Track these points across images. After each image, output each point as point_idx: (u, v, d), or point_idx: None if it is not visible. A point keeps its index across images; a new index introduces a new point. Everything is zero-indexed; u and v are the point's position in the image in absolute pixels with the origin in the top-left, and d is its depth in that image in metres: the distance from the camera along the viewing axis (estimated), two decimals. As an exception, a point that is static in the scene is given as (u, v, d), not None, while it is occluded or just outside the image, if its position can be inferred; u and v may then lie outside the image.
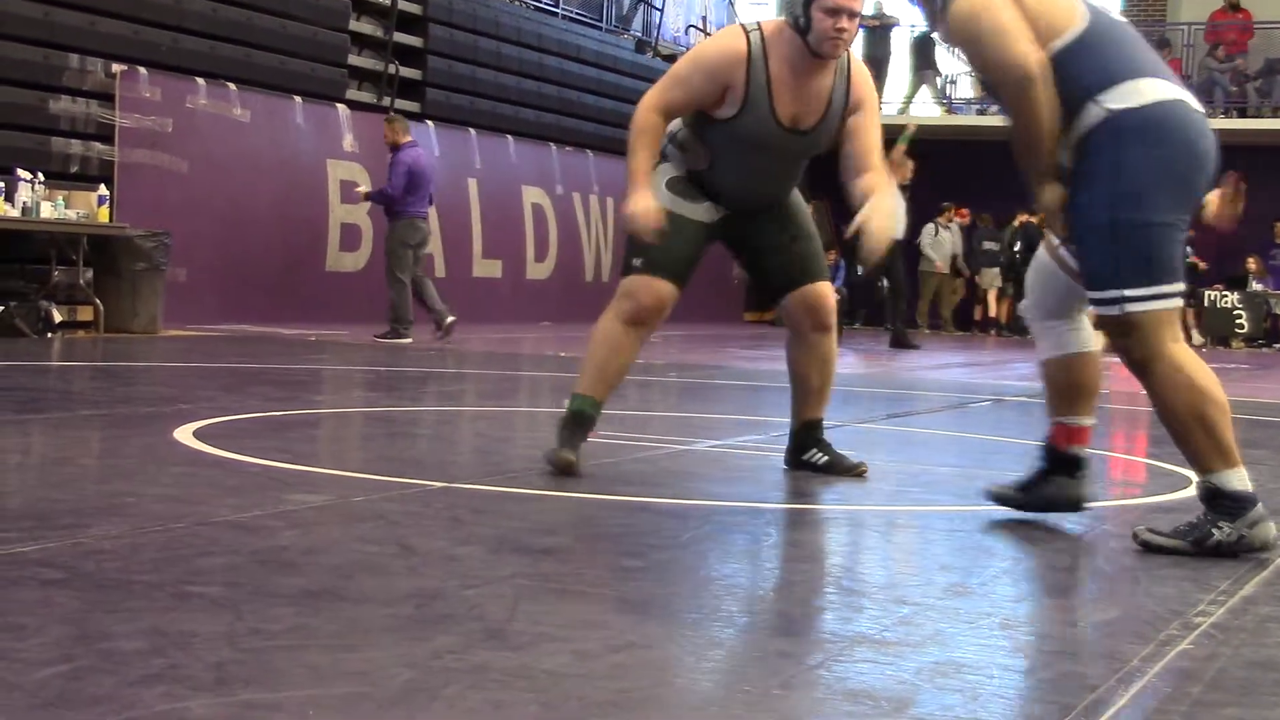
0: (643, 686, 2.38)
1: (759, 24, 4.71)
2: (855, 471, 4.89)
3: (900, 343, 16.07)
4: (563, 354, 11.74)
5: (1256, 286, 20.45)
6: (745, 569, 3.62)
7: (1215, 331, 20.24)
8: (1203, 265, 20.25)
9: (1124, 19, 4.05)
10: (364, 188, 12.98)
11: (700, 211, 4.79)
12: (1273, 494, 5.21)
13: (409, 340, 12.17)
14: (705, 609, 3.09)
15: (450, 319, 12.48)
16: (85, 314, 11.43)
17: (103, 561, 3.08)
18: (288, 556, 3.24)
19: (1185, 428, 3.82)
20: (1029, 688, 2.49)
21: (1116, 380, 11.94)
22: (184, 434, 5.22)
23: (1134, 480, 5.80)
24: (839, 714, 2.31)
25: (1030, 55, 3.75)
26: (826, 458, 4.93)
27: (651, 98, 4.68)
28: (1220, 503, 3.79)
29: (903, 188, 15.13)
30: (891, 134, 24.15)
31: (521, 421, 6.81)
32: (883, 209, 4.53)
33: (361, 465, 4.65)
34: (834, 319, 4.95)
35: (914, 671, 2.55)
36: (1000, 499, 4.25)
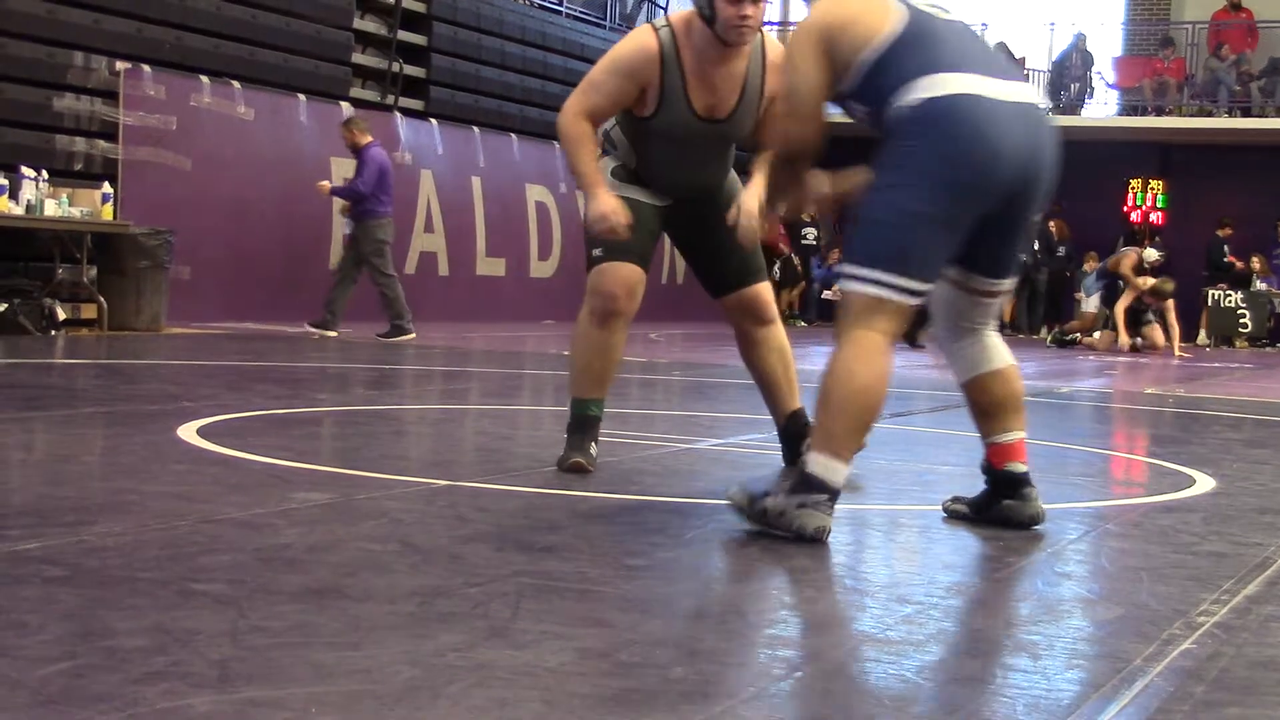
0: (645, 684, 2.38)
1: (668, 19, 4.74)
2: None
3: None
4: (566, 352, 11.75)
5: (1260, 286, 20.44)
6: (748, 568, 3.62)
7: (1219, 331, 20.23)
8: (1242, 265, 20.36)
9: (954, 17, 3.96)
10: (328, 183, 12.89)
11: (649, 195, 4.84)
12: (1274, 495, 5.21)
13: (413, 335, 12.19)
14: (708, 607, 3.09)
15: (333, 333, 12.35)
16: (89, 312, 11.43)
17: (106, 559, 3.09)
18: (291, 554, 3.25)
19: (822, 402, 3.75)
20: (1031, 687, 2.49)
21: (1118, 380, 11.94)
22: (187, 431, 5.23)
23: (1135, 479, 5.80)
24: (841, 713, 2.31)
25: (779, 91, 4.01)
26: None
27: (574, 105, 4.70)
28: (802, 477, 3.73)
29: None
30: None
31: (525, 420, 6.81)
32: (746, 208, 4.60)
33: (365, 463, 4.65)
34: (774, 310, 4.98)
35: (916, 670, 2.55)
36: (955, 515, 4.20)
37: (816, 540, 3.66)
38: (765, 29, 4.71)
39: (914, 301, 3.79)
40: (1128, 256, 17.21)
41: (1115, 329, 16.76)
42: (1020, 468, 4.05)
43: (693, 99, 4.68)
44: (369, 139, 12.47)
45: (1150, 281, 16.49)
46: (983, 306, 4.05)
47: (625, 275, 4.77)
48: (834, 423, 3.72)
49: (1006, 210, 3.81)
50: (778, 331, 5.01)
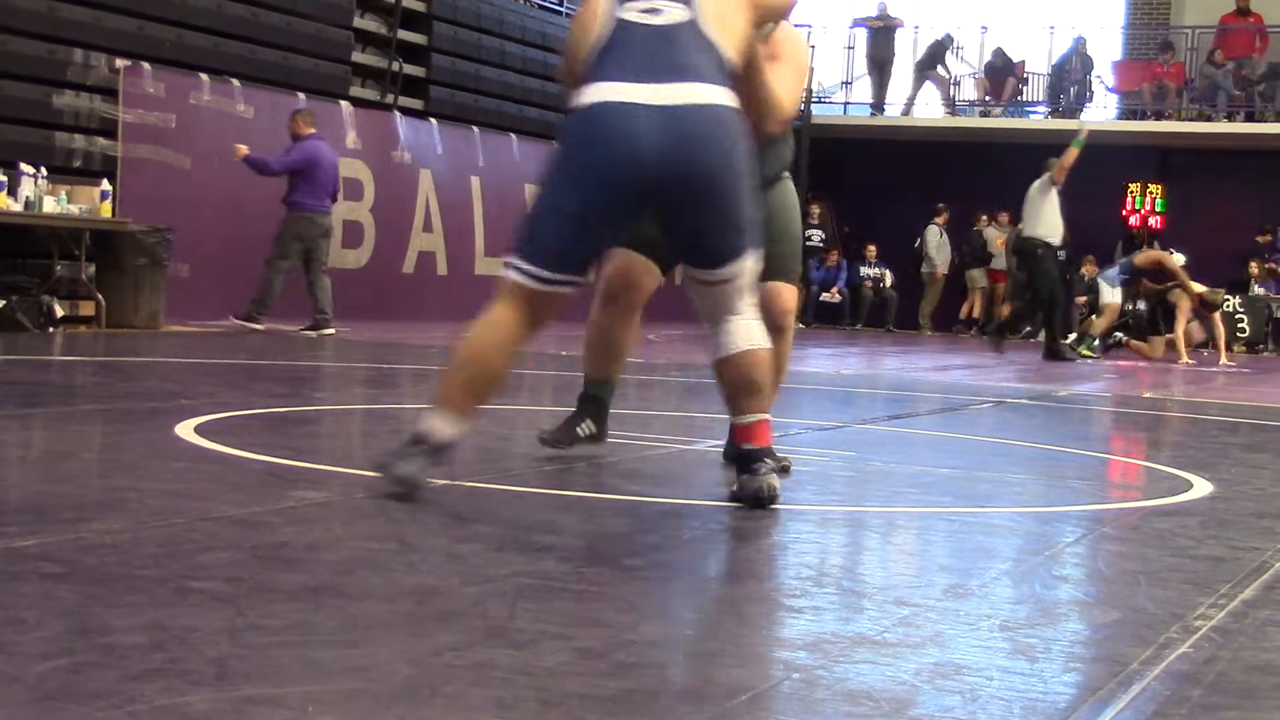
0: (643, 685, 2.38)
1: None
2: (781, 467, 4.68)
3: (1055, 355, 14.98)
4: (564, 352, 11.74)
5: (1258, 290, 20.45)
6: (745, 569, 3.62)
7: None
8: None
9: (663, 22, 4.12)
10: (245, 148, 12.70)
11: None
12: (1272, 499, 5.22)
13: (261, 329, 12.00)
14: (705, 608, 3.09)
15: (329, 330, 12.34)
16: (87, 309, 11.43)
17: (104, 556, 3.09)
18: (289, 552, 3.25)
19: (447, 363, 4.24)
20: (1028, 689, 2.49)
21: (1116, 384, 11.94)
22: (185, 429, 5.22)
23: (1133, 483, 5.80)
24: (838, 715, 2.31)
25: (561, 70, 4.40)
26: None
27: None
28: (412, 432, 4.14)
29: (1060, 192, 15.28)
30: (953, 137, 23.78)
31: (523, 420, 6.81)
32: None
33: (363, 462, 4.65)
34: (790, 320, 4.93)
35: (913, 673, 2.55)
36: (734, 499, 4.26)
37: (399, 486, 3.94)
38: None
39: (545, 288, 4.11)
40: (1167, 256, 16.81)
41: (1174, 344, 16.30)
42: (751, 447, 4.17)
43: None
44: (310, 131, 12.44)
45: (1200, 289, 16.23)
46: (715, 295, 4.20)
47: (623, 263, 4.84)
48: (448, 379, 4.18)
49: (671, 205, 4.10)
50: (785, 340, 4.98)
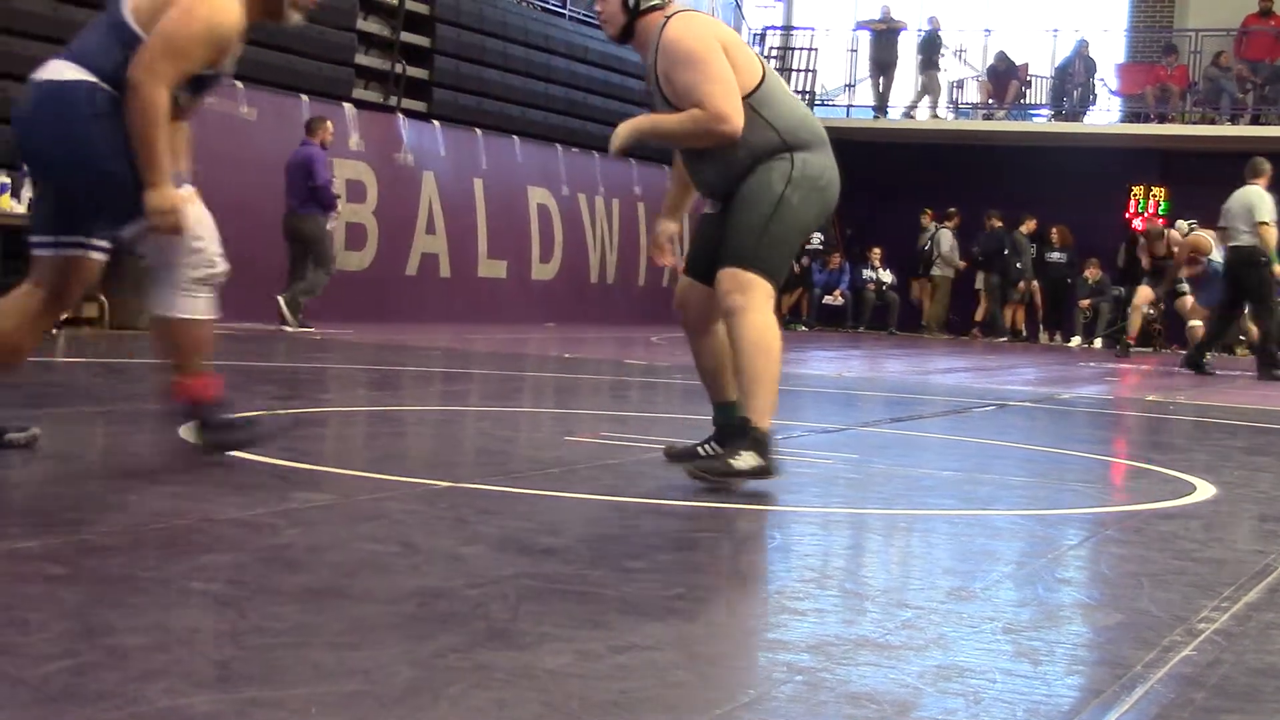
0: (644, 687, 2.38)
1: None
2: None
3: (1272, 365, 13.78)
4: (567, 355, 11.74)
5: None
6: (747, 571, 3.62)
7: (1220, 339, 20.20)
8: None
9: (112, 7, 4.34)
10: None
11: (709, 205, 4.93)
12: (1275, 502, 5.21)
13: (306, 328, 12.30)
14: (707, 611, 3.09)
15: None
16: (91, 310, 11.43)
17: (106, 558, 3.09)
18: (291, 554, 3.25)
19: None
20: (1031, 692, 2.49)
21: (1120, 387, 11.93)
22: (188, 432, 5.22)
23: (1136, 486, 5.80)
24: (841, 717, 2.31)
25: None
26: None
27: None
28: None
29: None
30: (908, 138, 23.62)
31: (525, 422, 6.81)
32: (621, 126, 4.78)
33: (366, 464, 4.65)
34: (726, 302, 4.79)
35: (916, 675, 2.55)
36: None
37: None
38: (675, 17, 4.72)
39: (83, 254, 4.50)
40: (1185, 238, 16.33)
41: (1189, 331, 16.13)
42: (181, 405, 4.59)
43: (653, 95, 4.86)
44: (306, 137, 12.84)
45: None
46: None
47: (679, 290, 4.99)
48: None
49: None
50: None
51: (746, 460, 4.51)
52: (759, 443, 4.53)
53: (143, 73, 4.20)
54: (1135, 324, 17.44)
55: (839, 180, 4.84)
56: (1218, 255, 15.51)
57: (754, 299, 4.61)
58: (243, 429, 4.67)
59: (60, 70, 4.28)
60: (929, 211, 21.71)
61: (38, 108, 4.32)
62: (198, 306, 4.50)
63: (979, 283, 21.61)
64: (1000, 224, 21.28)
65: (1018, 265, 21.07)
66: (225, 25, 4.32)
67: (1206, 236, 15.84)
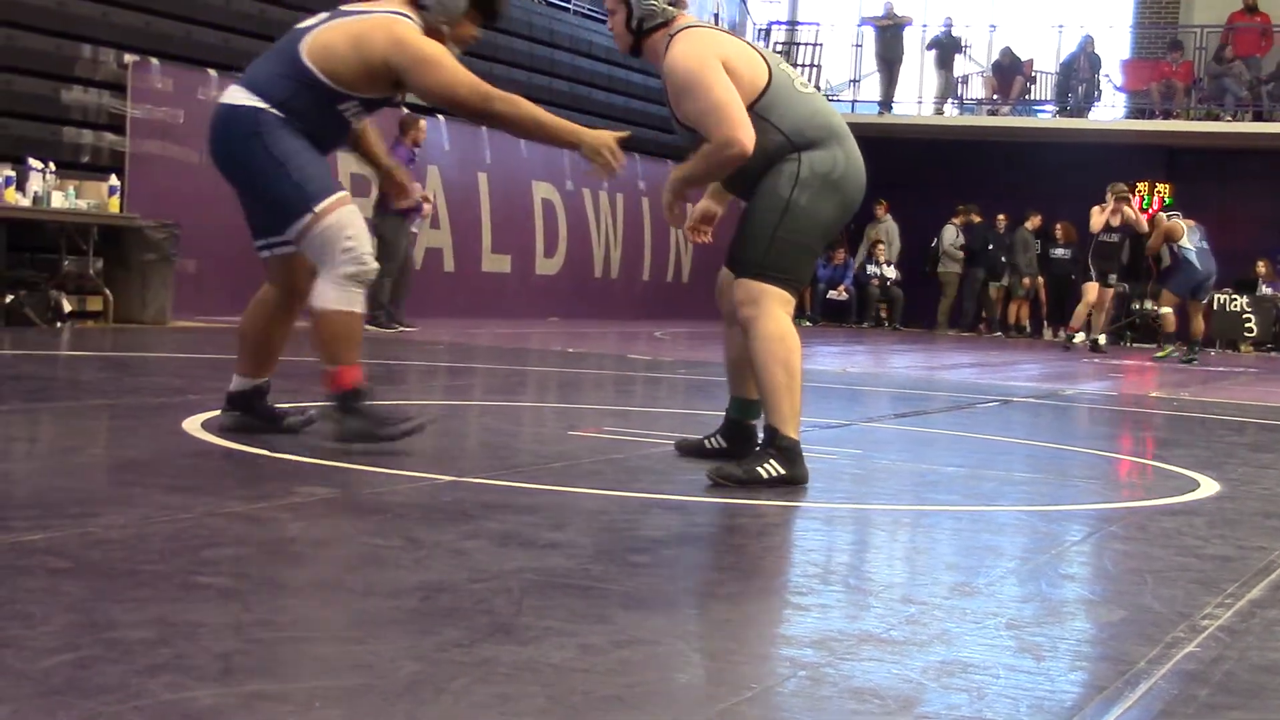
0: (647, 682, 2.38)
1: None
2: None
3: None
4: (570, 349, 11.74)
5: (1265, 290, 20.41)
6: (751, 566, 3.62)
7: (1224, 335, 20.21)
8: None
9: (314, 23, 4.89)
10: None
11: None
12: (1279, 499, 5.21)
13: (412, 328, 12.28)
14: (710, 606, 3.09)
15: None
16: (95, 304, 11.44)
17: (110, 551, 3.09)
18: (295, 548, 3.25)
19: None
20: (1034, 688, 2.49)
21: (1125, 384, 11.92)
22: (192, 425, 5.23)
23: (1140, 482, 5.79)
24: (844, 712, 2.31)
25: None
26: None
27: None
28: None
29: None
30: (911, 134, 23.65)
31: (529, 417, 6.81)
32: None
33: (369, 458, 4.65)
34: (742, 312, 4.81)
35: (920, 670, 2.55)
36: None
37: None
38: (677, 36, 4.73)
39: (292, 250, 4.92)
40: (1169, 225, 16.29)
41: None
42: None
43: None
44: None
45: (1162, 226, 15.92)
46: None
47: (719, 277, 5.01)
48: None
49: None
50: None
51: (771, 469, 4.51)
52: (785, 451, 4.54)
53: (479, 101, 4.74)
54: (1080, 317, 17.32)
55: (861, 169, 4.80)
56: (1189, 243, 15.54)
57: (765, 308, 4.62)
58: (382, 422, 4.83)
59: (235, 95, 4.81)
60: (884, 203, 21.69)
61: (213, 127, 4.86)
62: (348, 300, 4.73)
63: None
64: (980, 219, 21.32)
65: (1003, 260, 21.12)
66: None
67: (1180, 224, 15.84)
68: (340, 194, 4.79)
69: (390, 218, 12.68)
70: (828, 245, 4.95)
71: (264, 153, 4.74)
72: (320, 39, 4.78)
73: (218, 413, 5.31)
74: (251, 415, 5.11)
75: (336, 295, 4.72)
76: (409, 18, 4.80)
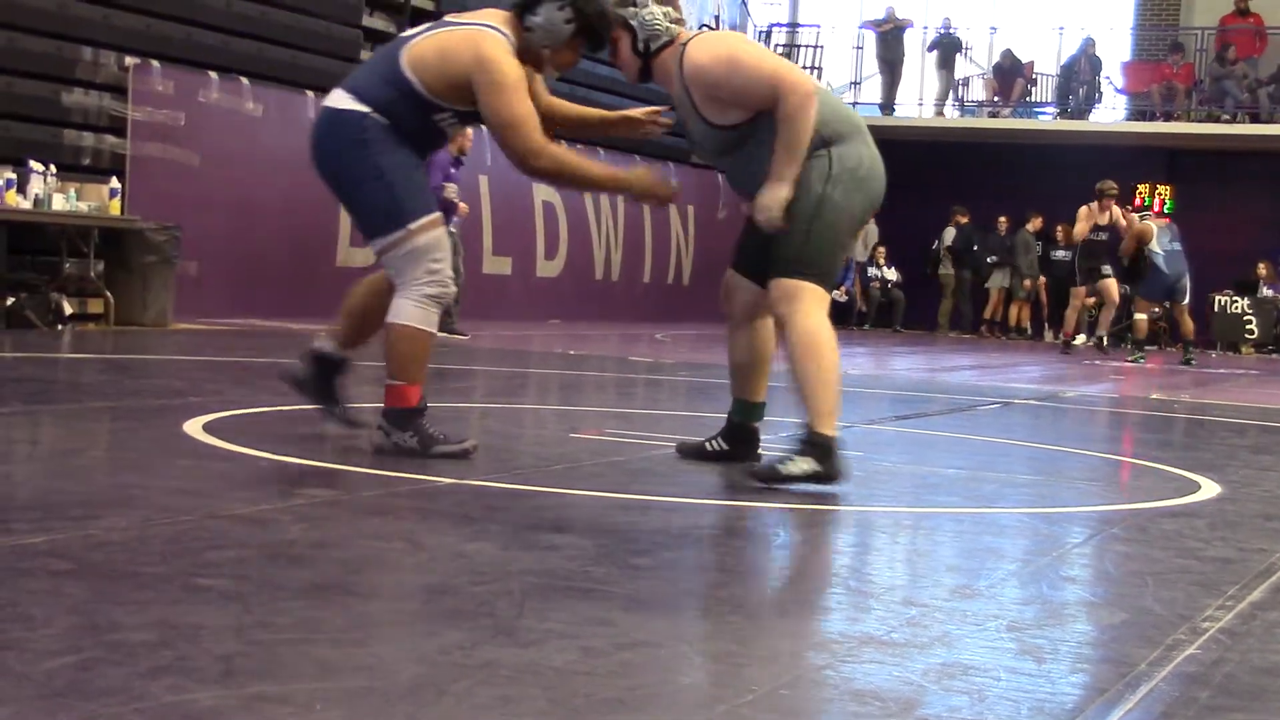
0: (649, 684, 2.38)
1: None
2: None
3: None
4: (571, 352, 11.74)
5: (1266, 292, 20.41)
6: (753, 568, 3.62)
7: (1225, 337, 20.20)
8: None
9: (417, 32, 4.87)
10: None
11: (745, 206, 4.95)
12: (1278, 501, 5.21)
13: (466, 336, 12.29)
14: (712, 608, 3.09)
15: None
16: (96, 306, 11.44)
17: (111, 553, 3.09)
18: (296, 550, 3.25)
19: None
20: (1035, 690, 2.49)
21: (1124, 385, 11.91)
22: (193, 427, 5.23)
23: (1141, 484, 5.79)
24: (845, 714, 2.31)
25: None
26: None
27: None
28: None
29: None
30: (912, 135, 23.71)
31: (530, 419, 6.81)
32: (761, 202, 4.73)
33: (370, 460, 4.65)
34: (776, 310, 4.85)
35: (921, 673, 2.55)
36: None
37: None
38: (690, 44, 4.77)
39: None
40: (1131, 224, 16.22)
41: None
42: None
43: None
44: None
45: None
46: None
47: (725, 279, 5.04)
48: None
49: None
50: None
51: (802, 465, 4.49)
52: (818, 447, 4.51)
53: (521, 152, 4.70)
54: (1071, 321, 17.28)
55: (882, 167, 4.82)
56: (1158, 245, 15.49)
57: (801, 305, 4.61)
58: (430, 441, 4.77)
59: (339, 99, 4.80)
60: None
61: (316, 129, 4.88)
62: (426, 319, 4.77)
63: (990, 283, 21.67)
64: (967, 220, 21.35)
65: (989, 260, 21.17)
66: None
67: (1151, 225, 15.81)
68: (435, 215, 4.79)
69: None
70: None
71: (366, 161, 4.73)
72: (418, 49, 4.77)
73: (219, 415, 5.31)
74: (321, 381, 5.22)
75: (416, 314, 4.74)
76: (503, 34, 4.72)
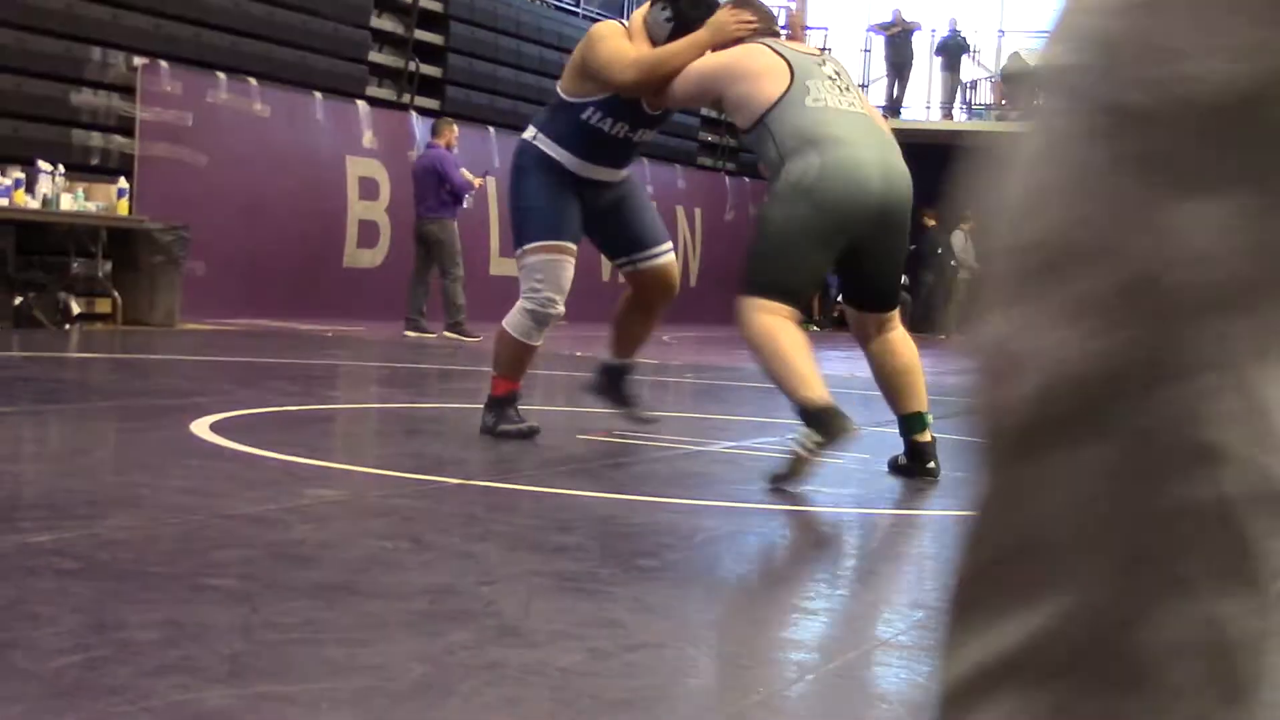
0: (656, 685, 2.38)
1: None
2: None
3: None
4: (578, 353, 11.74)
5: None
6: (759, 570, 3.62)
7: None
8: None
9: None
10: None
11: None
12: None
13: (478, 337, 12.33)
14: (719, 609, 3.09)
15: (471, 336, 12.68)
16: (103, 306, 11.46)
17: (118, 552, 3.09)
18: (303, 550, 3.25)
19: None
20: (1043, 693, 2.48)
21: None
22: (200, 427, 5.23)
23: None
24: (853, 717, 2.31)
25: None
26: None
27: None
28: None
29: None
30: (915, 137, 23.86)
31: (536, 419, 6.81)
32: None
33: (377, 461, 4.65)
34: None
35: (929, 675, 2.54)
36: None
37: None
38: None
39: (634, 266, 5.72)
40: None
41: None
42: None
43: None
44: (432, 140, 12.99)
45: None
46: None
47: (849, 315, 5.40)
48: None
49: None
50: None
51: (805, 443, 4.53)
52: (809, 416, 4.54)
53: (618, 77, 5.12)
54: None
55: (848, 173, 4.68)
56: None
57: (742, 319, 4.72)
58: (503, 419, 5.51)
59: (528, 126, 5.52)
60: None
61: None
62: (525, 330, 5.46)
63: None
64: (935, 223, 21.40)
65: (952, 264, 21.27)
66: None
67: None
68: (548, 241, 5.36)
69: (434, 220, 12.66)
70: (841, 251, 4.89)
71: (516, 187, 5.47)
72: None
73: (226, 415, 5.31)
74: (612, 388, 5.87)
75: (518, 323, 5.44)
76: (619, 22, 5.32)
